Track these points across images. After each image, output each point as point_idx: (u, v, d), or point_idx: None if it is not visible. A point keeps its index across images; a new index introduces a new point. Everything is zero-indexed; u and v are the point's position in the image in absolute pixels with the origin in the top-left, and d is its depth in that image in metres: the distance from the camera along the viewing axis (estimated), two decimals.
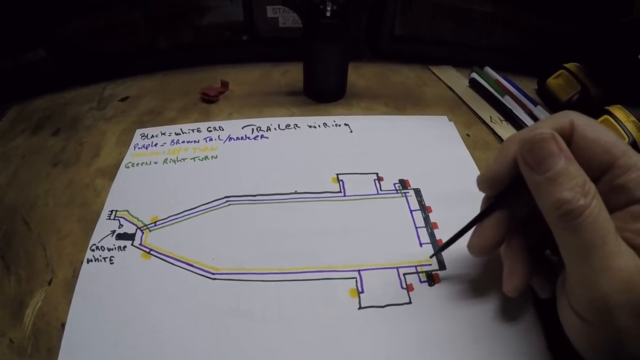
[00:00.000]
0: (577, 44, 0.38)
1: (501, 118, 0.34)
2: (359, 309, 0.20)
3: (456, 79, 0.38)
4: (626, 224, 0.15)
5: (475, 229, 0.19)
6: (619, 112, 0.32)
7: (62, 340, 0.19)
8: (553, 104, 0.37)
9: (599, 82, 0.36)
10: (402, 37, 0.39)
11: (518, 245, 0.18)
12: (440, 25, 0.39)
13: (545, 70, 0.39)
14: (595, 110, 0.32)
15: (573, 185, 0.14)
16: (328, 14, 0.29)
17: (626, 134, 0.30)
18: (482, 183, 0.19)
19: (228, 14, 0.36)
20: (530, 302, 0.21)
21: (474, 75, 0.37)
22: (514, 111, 0.34)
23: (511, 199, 0.18)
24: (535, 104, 0.35)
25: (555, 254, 0.19)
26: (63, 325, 0.20)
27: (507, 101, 0.35)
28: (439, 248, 0.22)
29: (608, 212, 0.15)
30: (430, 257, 0.22)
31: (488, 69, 0.40)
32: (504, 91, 0.36)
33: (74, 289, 0.21)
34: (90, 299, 0.21)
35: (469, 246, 0.20)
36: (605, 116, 0.32)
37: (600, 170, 0.16)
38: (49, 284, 0.22)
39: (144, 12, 0.35)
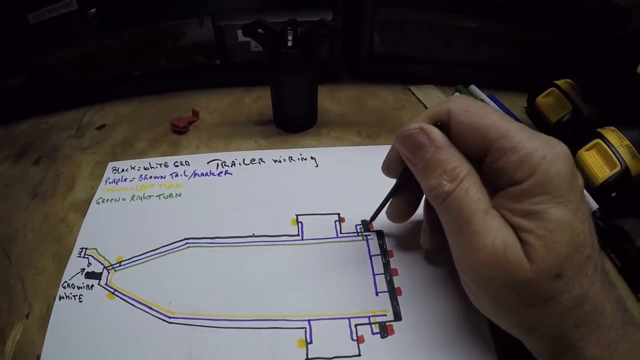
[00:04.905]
0: (569, 58, 0.36)
1: None
2: None
3: (437, 100, 0.37)
4: (505, 203, 0.16)
5: (389, 203, 0.23)
6: (611, 135, 0.29)
7: None
8: (542, 125, 0.35)
9: (592, 101, 0.34)
10: (382, 56, 0.37)
11: (429, 210, 0.21)
12: (422, 42, 0.36)
13: (535, 87, 0.36)
14: (588, 132, 0.30)
15: (440, 173, 0.16)
16: (289, 43, 0.28)
17: (618, 160, 0.28)
18: (382, 169, 0.22)
19: (199, 39, 0.35)
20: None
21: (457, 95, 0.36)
22: None
23: (408, 181, 0.20)
24: None
25: None
26: (38, 358, 0.21)
27: None
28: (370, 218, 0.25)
29: (480, 193, 0.16)
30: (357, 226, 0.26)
31: (474, 88, 0.38)
32: None
33: (48, 324, 0.23)
34: (61, 336, 0.22)
35: (386, 215, 0.23)
36: (597, 140, 0.29)
37: (479, 153, 0.16)
38: (27, 317, 0.23)
39: (117, 40, 0.34)
